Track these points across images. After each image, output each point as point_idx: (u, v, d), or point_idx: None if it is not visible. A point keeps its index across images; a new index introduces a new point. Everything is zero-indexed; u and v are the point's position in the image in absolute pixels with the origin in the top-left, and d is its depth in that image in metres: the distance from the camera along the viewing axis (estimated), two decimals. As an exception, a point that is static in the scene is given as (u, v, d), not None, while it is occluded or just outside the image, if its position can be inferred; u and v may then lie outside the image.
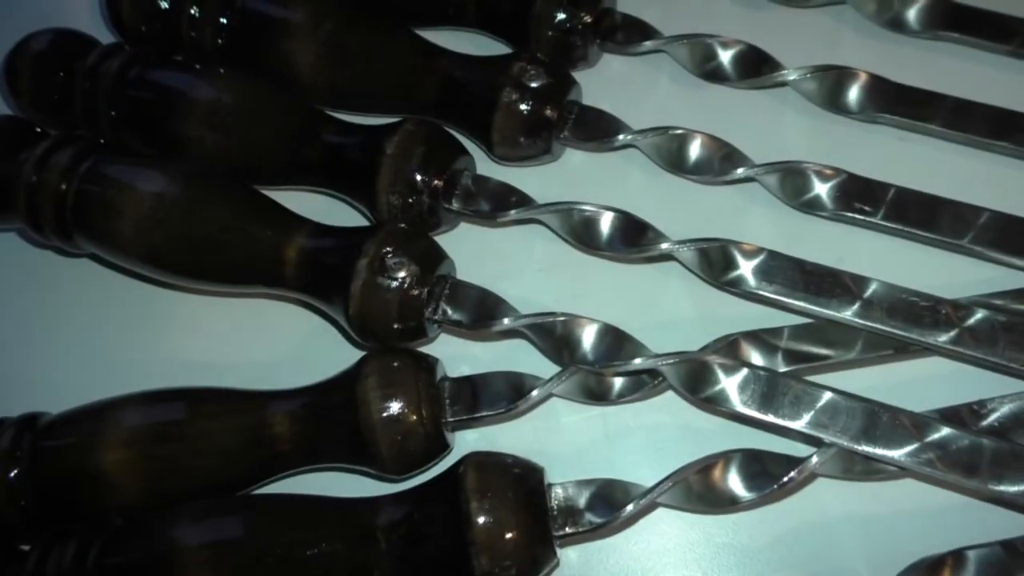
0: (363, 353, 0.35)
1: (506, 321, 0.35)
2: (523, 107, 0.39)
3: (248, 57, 0.42)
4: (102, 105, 0.40)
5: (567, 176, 0.42)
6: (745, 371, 0.34)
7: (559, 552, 0.32)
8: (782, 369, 0.35)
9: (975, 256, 0.37)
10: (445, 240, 0.38)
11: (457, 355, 0.38)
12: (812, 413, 0.33)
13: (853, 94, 0.41)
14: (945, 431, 0.32)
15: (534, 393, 0.34)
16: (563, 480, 0.33)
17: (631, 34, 0.43)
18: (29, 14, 0.46)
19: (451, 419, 0.34)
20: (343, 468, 0.35)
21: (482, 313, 0.35)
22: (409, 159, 0.37)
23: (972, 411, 0.34)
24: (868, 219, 0.38)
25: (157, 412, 0.35)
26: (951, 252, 0.38)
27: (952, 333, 0.34)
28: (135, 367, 0.39)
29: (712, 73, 0.43)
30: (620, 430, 0.37)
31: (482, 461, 0.32)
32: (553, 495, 0.32)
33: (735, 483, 0.33)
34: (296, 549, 0.31)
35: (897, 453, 0.32)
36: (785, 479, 0.32)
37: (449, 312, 0.35)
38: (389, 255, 0.35)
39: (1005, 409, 0.34)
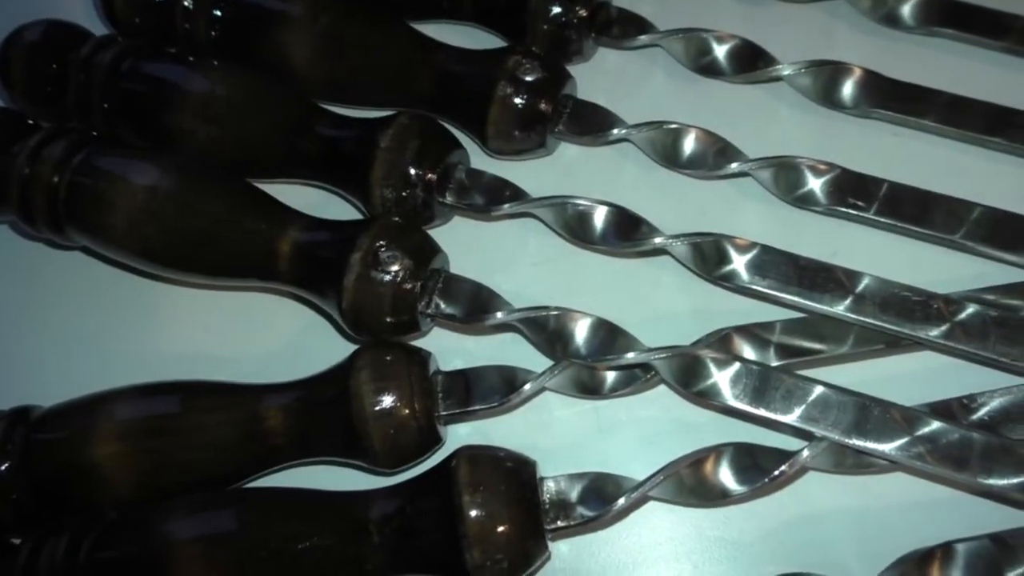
0: (356, 347, 0.35)
1: (499, 315, 0.35)
2: (518, 101, 0.39)
3: (242, 49, 0.42)
4: (95, 97, 0.40)
5: (561, 170, 0.42)
6: (737, 365, 0.34)
7: (551, 545, 0.32)
8: (774, 363, 0.35)
9: (967, 251, 0.38)
10: (439, 234, 0.38)
11: (450, 349, 0.38)
12: (803, 407, 0.33)
13: (847, 89, 0.41)
14: (935, 425, 0.32)
15: (527, 387, 0.34)
16: (555, 474, 0.33)
17: (626, 28, 0.43)
18: (22, 5, 0.46)
19: (444, 413, 0.35)
20: (336, 461, 0.36)
21: (475, 307, 0.35)
22: (403, 152, 0.37)
23: (963, 405, 0.34)
24: (861, 214, 0.38)
25: (150, 406, 0.35)
26: (944, 247, 0.38)
27: (943, 328, 0.34)
28: (128, 360, 0.39)
29: (707, 67, 0.43)
30: (613, 424, 0.37)
31: (474, 455, 0.32)
32: (545, 489, 0.32)
33: (726, 477, 0.33)
34: (289, 543, 0.31)
35: (887, 447, 0.32)
36: (776, 473, 0.32)
37: (442, 306, 0.35)
38: (382, 249, 0.35)
39: (995, 403, 0.34)
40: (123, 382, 0.36)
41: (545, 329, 0.35)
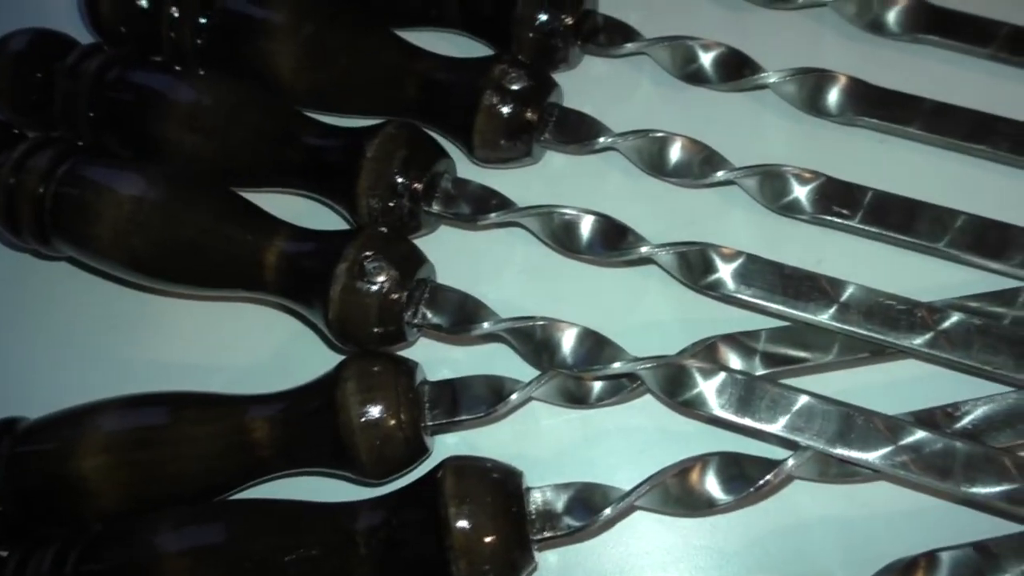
0: (343, 357, 0.35)
1: (485, 325, 0.35)
2: (504, 110, 0.39)
3: (228, 58, 0.42)
4: (81, 106, 0.40)
5: (548, 179, 0.42)
6: (722, 375, 0.34)
7: (537, 556, 0.32)
8: (760, 372, 0.36)
9: (951, 259, 0.38)
10: (425, 243, 0.38)
11: (438, 359, 0.38)
12: (788, 416, 0.33)
13: (833, 97, 0.41)
14: (919, 434, 0.32)
15: (513, 397, 0.34)
16: (542, 483, 0.33)
17: (612, 36, 0.43)
18: (7, 14, 0.46)
19: (430, 423, 0.35)
20: (323, 472, 0.36)
21: (462, 317, 0.35)
22: (389, 162, 0.37)
23: (947, 414, 0.34)
24: (846, 222, 0.38)
25: (136, 417, 0.35)
26: (928, 255, 0.38)
27: (927, 336, 0.35)
28: (114, 371, 0.39)
29: (693, 75, 0.43)
30: (599, 433, 0.37)
31: (461, 466, 0.32)
32: (532, 499, 0.32)
33: (712, 486, 0.33)
34: (274, 554, 0.31)
35: (872, 456, 0.32)
36: (761, 482, 0.32)
37: (429, 316, 0.36)
38: (368, 259, 0.35)
39: (979, 412, 0.34)
40: (109, 393, 0.36)
41: (531, 339, 0.35)
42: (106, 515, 0.34)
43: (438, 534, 0.31)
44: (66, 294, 0.41)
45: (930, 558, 0.31)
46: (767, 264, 0.36)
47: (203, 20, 0.42)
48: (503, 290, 0.39)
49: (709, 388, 0.34)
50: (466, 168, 0.41)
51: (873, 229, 0.38)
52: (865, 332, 0.35)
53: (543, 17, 0.42)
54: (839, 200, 0.38)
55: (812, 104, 0.42)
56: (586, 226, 0.37)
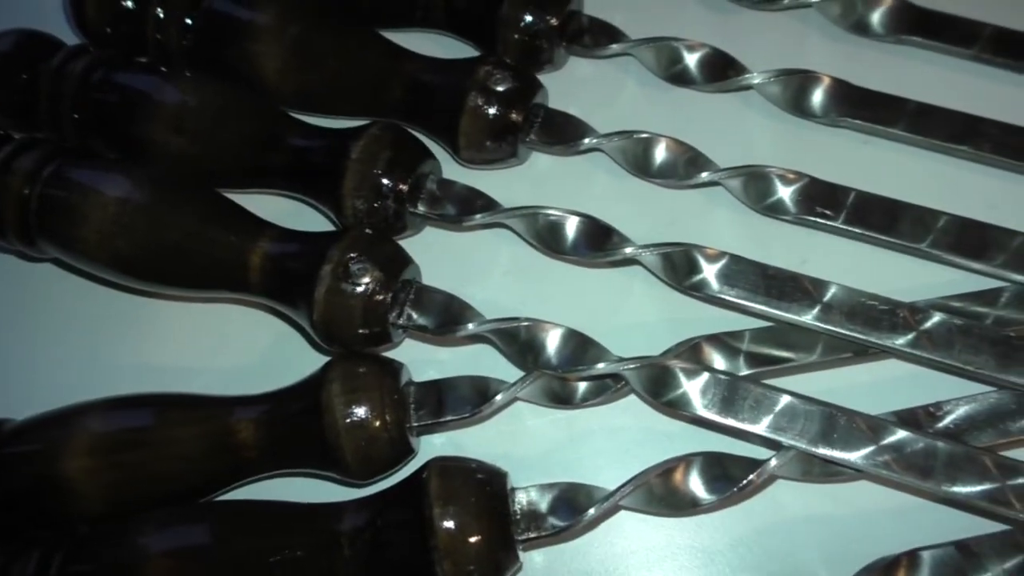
0: (328, 358, 0.35)
1: (470, 326, 0.35)
2: (489, 111, 0.39)
3: (214, 60, 0.42)
4: (66, 108, 0.40)
5: (533, 180, 0.42)
6: (706, 375, 0.34)
7: (522, 556, 0.32)
8: (744, 372, 0.36)
9: (934, 260, 0.38)
10: (411, 244, 0.38)
11: (423, 359, 0.38)
12: (771, 417, 0.33)
13: (817, 98, 0.42)
14: (901, 434, 0.32)
15: (498, 397, 0.34)
16: (528, 483, 0.33)
17: (598, 37, 0.43)
18: (-8, 15, 0.46)
19: (416, 424, 0.35)
20: (309, 473, 0.36)
21: (447, 318, 0.36)
22: (374, 163, 0.37)
23: (929, 413, 0.34)
24: (830, 223, 0.38)
25: (121, 418, 0.35)
26: (911, 256, 0.38)
27: (909, 336, 0.35)
28: (100, 373, 0.39)
29: (678, 76, 0.43)
30: (584, 433, 0.37)
31: (445, 466, 0.32)
32: (516, 500, 0.33)
33: (696, 486, 0.33)
34: (259, 556, 0.32)
35: (854, 456, 0.32)
36: (745, 482, 0.32)
37: (414, 317, 0.36)
38: (353, 261, 0.35)
39: (961, 411, 0.34)
40: (95, 395, 0.36)
41: (516, 340, 0.35)
42: (92, 516, 0.34)
43: (423, 535, 0.31)
44: (51, 296, 0.41)
45: (912, 557, 0.32)
46: (751, 265, 0.37)
47: (189, 21, 0.42)
48: (488, 291, 0.39)
49: (693, 388, 0.34)
50: (452, 169, 0.41)
51: (856, 230, 0.38)
52: (848, 332, 0.35)
53: (528, 18, 0.42)
54: (823, 201, 0.39)
55: (796, 105, 0.42)
56: (571, 227, 0.38)
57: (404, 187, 0.38)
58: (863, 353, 0.36)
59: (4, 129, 0.42)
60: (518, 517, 0.32)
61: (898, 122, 0.41)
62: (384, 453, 0.34)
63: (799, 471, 0.34)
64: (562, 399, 0.36)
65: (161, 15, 0.42)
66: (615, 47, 0.43)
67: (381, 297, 0.35)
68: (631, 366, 0.34)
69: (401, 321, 0.35)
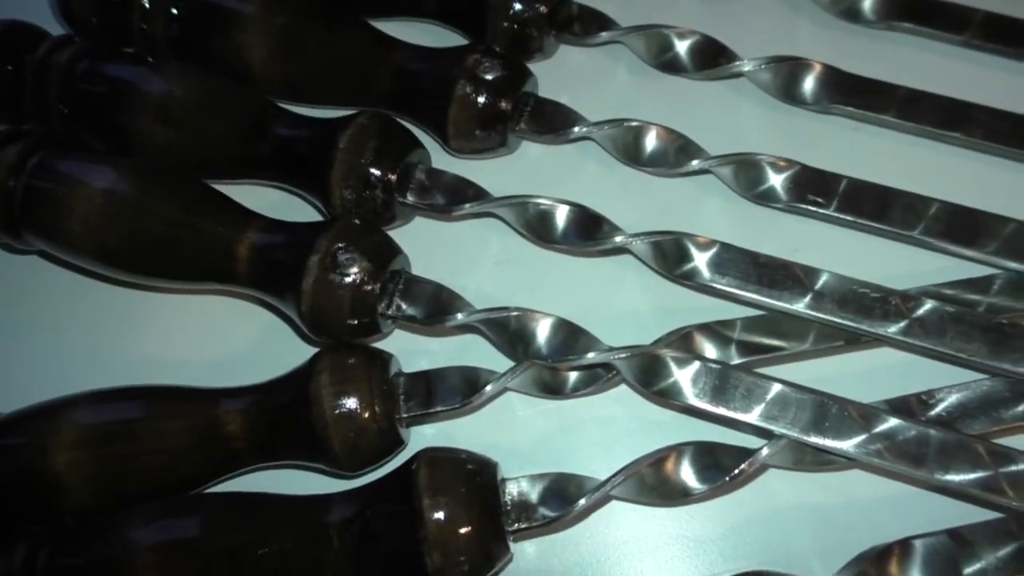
0: (317, 349, 0.35)
1: (460, 316, 0.35)
2: (478, 100, 0.39)
3: (200, 49, 0.41)
4: (51, 99, 0.40)
5: (523, 169, 0.42)
6: (697, 364, 0.34)
7: (513, 547, 0.32)
8: (735, 361, 0.36)
9: (925, 247, 0.38)
10: (400, 234, 0.38)
11: (413, 350, 0.38)
12: (763, 405, 0.33)
13: (808, 85, 0.41)
14: (893, 422, 0.32)
15: (488, 388, 0.34)
16: (518, 474, 0.33)
17: (588, 25, 0.43)
18: (-24, 6, 0.45)
19: (405, 415, 0.34)
20: (298, 465, 0.35)
21: (436, 309, 0.35)
22: (362, 153, 0.37)
23: (921, 401, 0.34)
24: (821, 210, 0.38)
25: (108, 411, 0.35)
26: (902, 243, 0.38)
27: (901, 324, 0.35)
28: (87, 365, 0.39)
29: (668, 64, 0.43)
30: (575, 423, 0.37)
31: (435, 457, 0.32)
32: (507, 490, 0.32)
33: (688, 475, 0.33)
34: (248, 548, 0.31)
35: (846, 444, 0.32)
36: (736, 471, 0.32)
37: (403, 307, 0.35)
38: (341, 251, 0.34)
39: (953, 399, 0.34)
40: (82, 388, 0.35)
41: (506, 330, 0.35)
42: (80, 510, 0.34)
43: (413, 526, 0.31)
44: (37, 288, 0.41)
45: (904, 545, 0.31)
46: (742, 253, 0.36)
47: (175, 11, 0.41)
48: (478, 281, 0.39)
49: (684, 377, 0.34)
50: (441, 159, 0.41)
51: (848, 217, 0.38)
52: (839, 320, 0.35)
53: (518, 6, 0.41)
54: (814, 188, 0.38)
55: (787, 92, 0.42)
56: (561, 216, 0.37)
57: (392, 177, 0.37)
58: (855, 341, 0.36)
59: (-12, 121, 0.41)
60: (509, 508, 0.32)
61: (889, 109, 0.41)
62: (373, 444, 0.34)
63: (791, 460, 0.34)
64: (553, 389, 0.36)
65: (147, 5, 0.41)
66: (605, 35, 0.43)
67: (370, 287, 0.35)
68: (622, 355, 0.34)
69: (390, 312, 0.35)
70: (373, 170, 0.37)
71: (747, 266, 0.36)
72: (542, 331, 0.35)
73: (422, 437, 0.37)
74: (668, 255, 0.37)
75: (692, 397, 0.34)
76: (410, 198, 0.38)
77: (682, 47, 0.42)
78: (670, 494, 0.33)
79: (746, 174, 0.39)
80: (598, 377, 0.36)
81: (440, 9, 0.44)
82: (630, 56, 0.44)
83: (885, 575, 0.31)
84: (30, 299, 0.41)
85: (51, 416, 0.35)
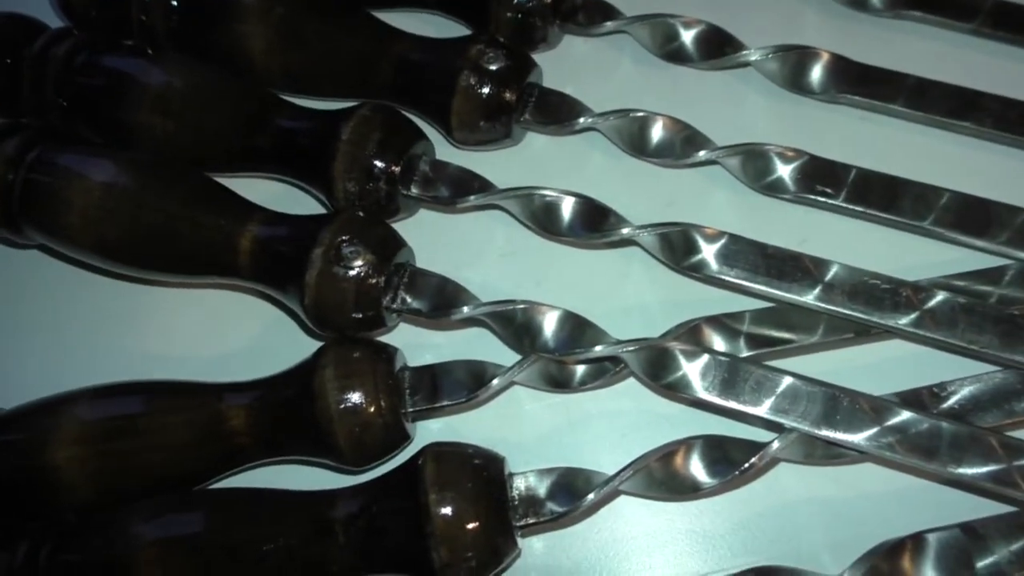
0: (321, 343, 0.35)
1: (465, 309, 0.34)
2: (482, 91, 0.39)
3: (199, 41, 0.41)
4: (50, 92, 0.39)
5: (528, 160, 0.41)
6: (706, 357, 0.33)
7: (521, 542, 0.32)
8: (744, 353, 0.35)
9: (936, 237, 0.37)
10: (404, 227, 0.38)
11: (419, 344, 0.38)
12: (773, 398, 0.33)
13: (816, 74, 0.41)
14: (904, 415, 0.32)
15: (495, 382, 0.34)
16: (526, 468, 0.32)
17: (592, 15, 0.42)
18: (-26, -2, 0.45)
19: (411, 409, 0.34)
20: (303, 460, 0.35)
21: (441, 301, 0.35)
22: (365, 145, 0.37)
23: (932, 393, 0.34)
24: (830, 201, 0.38)
25: (110, 407, 0.34)
26: (913, 233, 0.38)
27: (912, 316, 0.34)
28: (88, 360, 0.39)
29: (674, 54, 0.42)
30: (583, 417, 0.36)
31: (441, 452, 0.32)
32: (514, 485, 0.32)
33: (697, 469, 0.32)
34: (252, 544, 0.31)
35: (857, 437, 0.32)
36: (746, 465, 0.32)
37: (408, 301, 0.35)
38: (344, 244, 0.34)
39: (965, 391, 0.34)
40: (84, 383, 0.35)
41: (512, 323, 0.35)
42: (81, 506, 0.34)
43: (419, 521, 0.30)
44: (37, 283, 0.41)
45: (917, 539, 0.31)
46: (750, 244, 0.36)
47: (174, 3, 0.41)
48: (484, 273, 0.39)
49: (693, 370, 0.33)
50: (445, 150, 0.40)
51: (857, 208, 0.38)
52: (850, 312, 0.34)
53: (522, -5, 0.41)
54: (822, 179, 0.38)
55: (795, 82, 0.41)
56: (567, 208, 0.37)
57: (396, 169, 0.37)
58: (865, 333, 0.35)
59: (-13, 114, 0.41)
60: (516, 503, 0.32)
61: (898, 98, 0.40)
62: (378, 439, 0.33)
63: (801, 453, 0.33)
64: (560, 383, 0.36)
65: (146, -4, 0.41)
66: (610, 24, 0.42)
67: (374, 280, 0.34)
68: (630, 348, 0.33)
69: (395, 305, 0.35)
70: (377, 162, 0.37)
71: (756, 258, 0.36)
72: (549, 324, 0.34)
73: (428, 432, 0.36)
74: (675, 247, 0.36)
75: (701, 390, 0.33)
76: (414, 190, 0.38)
77: (688, 36, 0.42)
78: (679, 488, 0.32)
79: (754, 165, 0.39)
80: (606, 370, 0.35)
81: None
82: (635, 46, 0.43)
83: (897, 570, 0.30)
84: (30, 294, 0.41)
85: (52, 412, 0.34)
